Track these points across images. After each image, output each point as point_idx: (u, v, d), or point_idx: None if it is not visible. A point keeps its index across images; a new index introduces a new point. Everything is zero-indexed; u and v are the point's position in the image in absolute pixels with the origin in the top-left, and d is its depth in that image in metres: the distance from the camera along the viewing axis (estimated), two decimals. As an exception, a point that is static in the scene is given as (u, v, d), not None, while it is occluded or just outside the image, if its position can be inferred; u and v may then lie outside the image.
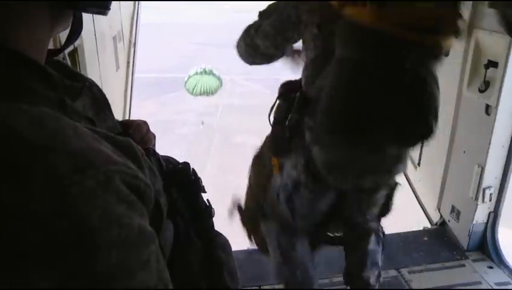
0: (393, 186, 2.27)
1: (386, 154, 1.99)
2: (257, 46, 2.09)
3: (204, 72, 10.29)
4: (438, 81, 1.88)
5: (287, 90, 2.09)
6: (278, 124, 2.10)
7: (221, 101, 13.80)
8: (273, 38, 2.02)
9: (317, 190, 2.08)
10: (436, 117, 1.83)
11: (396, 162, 2.06)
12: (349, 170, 1.99)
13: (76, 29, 0.72)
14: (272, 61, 2.22)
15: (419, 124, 1.80)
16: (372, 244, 2.40)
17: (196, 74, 10.32)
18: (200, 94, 10.48)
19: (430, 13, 1.63)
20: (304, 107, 1.98)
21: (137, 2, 5.58)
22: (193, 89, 10.38)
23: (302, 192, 2.08)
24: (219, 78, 10.47)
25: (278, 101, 2.14)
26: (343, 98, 1.73)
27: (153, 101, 14.83)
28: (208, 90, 10.41)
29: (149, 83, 15.40)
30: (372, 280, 2.43)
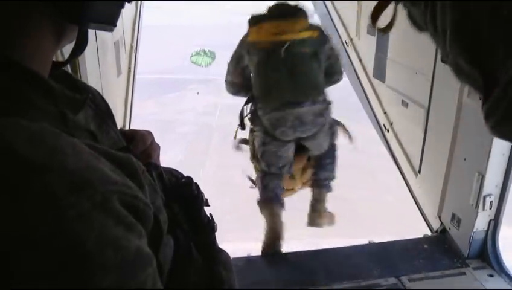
0: (327, 128, 3.62)
1: (298, 111, 3.34)
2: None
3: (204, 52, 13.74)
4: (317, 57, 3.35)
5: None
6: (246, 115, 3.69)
7: (220, 101, 14.17)
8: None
9: (276, 144, 3.50)
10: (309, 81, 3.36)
11: (311, 116, 3.39)
12: (284, 125, 3.37)
13: (81, 44, 0.72)
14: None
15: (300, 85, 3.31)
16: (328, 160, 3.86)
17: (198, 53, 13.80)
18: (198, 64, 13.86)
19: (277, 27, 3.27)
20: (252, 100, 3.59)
21: (139, 6, 5.58)
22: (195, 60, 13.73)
23: (268, 147, 3.52)
24: (213, 56, 13.80)
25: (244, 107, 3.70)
26: (260, 82, 3.38)
27: (154, 101, 15.16)
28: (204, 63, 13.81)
29: (150, 84, 15.85)
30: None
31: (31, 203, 0.47)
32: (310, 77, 3.34)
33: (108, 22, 0.74)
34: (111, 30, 0.75)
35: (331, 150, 3.84)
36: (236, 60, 3.50)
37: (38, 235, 0.46)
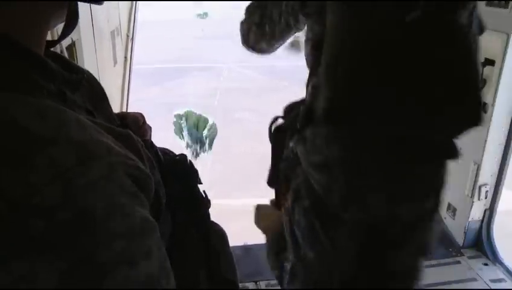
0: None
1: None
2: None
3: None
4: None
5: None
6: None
7: (220, 85, 15.03)
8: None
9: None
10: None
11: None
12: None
13: (72, 21, 0.72)
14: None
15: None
16: None
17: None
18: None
19: None
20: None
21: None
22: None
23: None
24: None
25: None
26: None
27: (158, 87, 16.30)
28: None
29: (153, 72, 17.36)
30: None
31: (40, 175, 0.47)
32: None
33: None
34: (100, 3, 0.73)
35: None
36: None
37: (49, 205, 0.47)
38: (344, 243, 1.46)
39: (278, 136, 1.67)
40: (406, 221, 1.49)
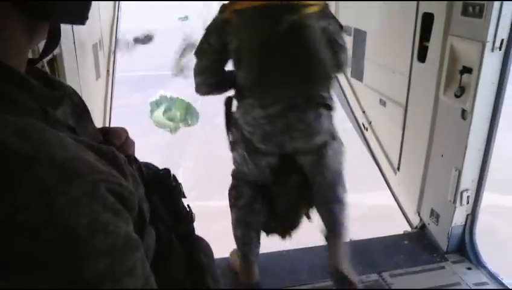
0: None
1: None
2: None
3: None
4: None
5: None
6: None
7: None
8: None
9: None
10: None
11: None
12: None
13: (54, 40, 0.72)
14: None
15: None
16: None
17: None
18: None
19: None
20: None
21: (117, 9, 5.55)
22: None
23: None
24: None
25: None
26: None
27: (141, 93, 16.83)
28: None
29: (138, 80, 18.16)
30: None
31: (23, 194, 0.48)
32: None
33: (79, 15, 0.71)
34: (83, 23, 0.72)
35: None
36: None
37: (33, 224, 0.47)
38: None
39: (228, 106, 2.83)
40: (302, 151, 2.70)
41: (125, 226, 0.55)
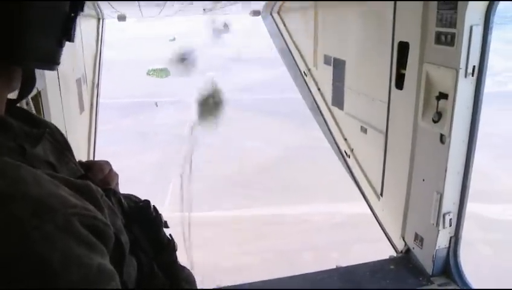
0: None
1: None
2: None
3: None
4: None
5: None
6: None
7: (188, 116, 16.78)
8: None
9: None
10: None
11: None
12: None
13: (29, 83, 0.76)
14: None
15: None
16: None
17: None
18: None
19: None
20: None
21: (100, 44, 5.61)
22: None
23: None
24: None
25: None
26: None
27: (130, 118, 18.12)
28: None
29: (126, 105, 19.03)
30: None
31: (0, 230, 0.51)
32: None
33: (48, 61, 0.73)
34: (53, 69, 0.75)
35: None
36: None
37: (6, 258, 0.50)
38: None
39: None
40: None
41: (99, 258, 0.57)
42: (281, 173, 14.04)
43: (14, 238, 0.50)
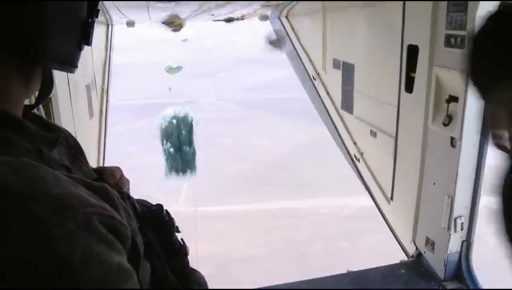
0: None
1: None
2: None
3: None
4: None
5: None
6: None
7: (201, 115, 17.23)
8: None
9: None
10: None
11: None
12: None
13: (47, 87, 0.77)
14: None
15: None
16: None
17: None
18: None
19: None
20: None
21: (109, 50, 5.65)
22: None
23: None
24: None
25: None
26: None
27: (145, 119, 18.64)
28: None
29: (140, 107, 19.66)
30: None
31: (19, 228, 0.51)
32: None
33: (68, 63, 0.76)
34: (72, 71, 0.78)
35: None
36: None
37: (29, 256, 0.50)
38: None
39: None
40: None
41: (117, 257, 0.57)
42: (291, 169, 14.31)
43: (35, 236, 0.51)
